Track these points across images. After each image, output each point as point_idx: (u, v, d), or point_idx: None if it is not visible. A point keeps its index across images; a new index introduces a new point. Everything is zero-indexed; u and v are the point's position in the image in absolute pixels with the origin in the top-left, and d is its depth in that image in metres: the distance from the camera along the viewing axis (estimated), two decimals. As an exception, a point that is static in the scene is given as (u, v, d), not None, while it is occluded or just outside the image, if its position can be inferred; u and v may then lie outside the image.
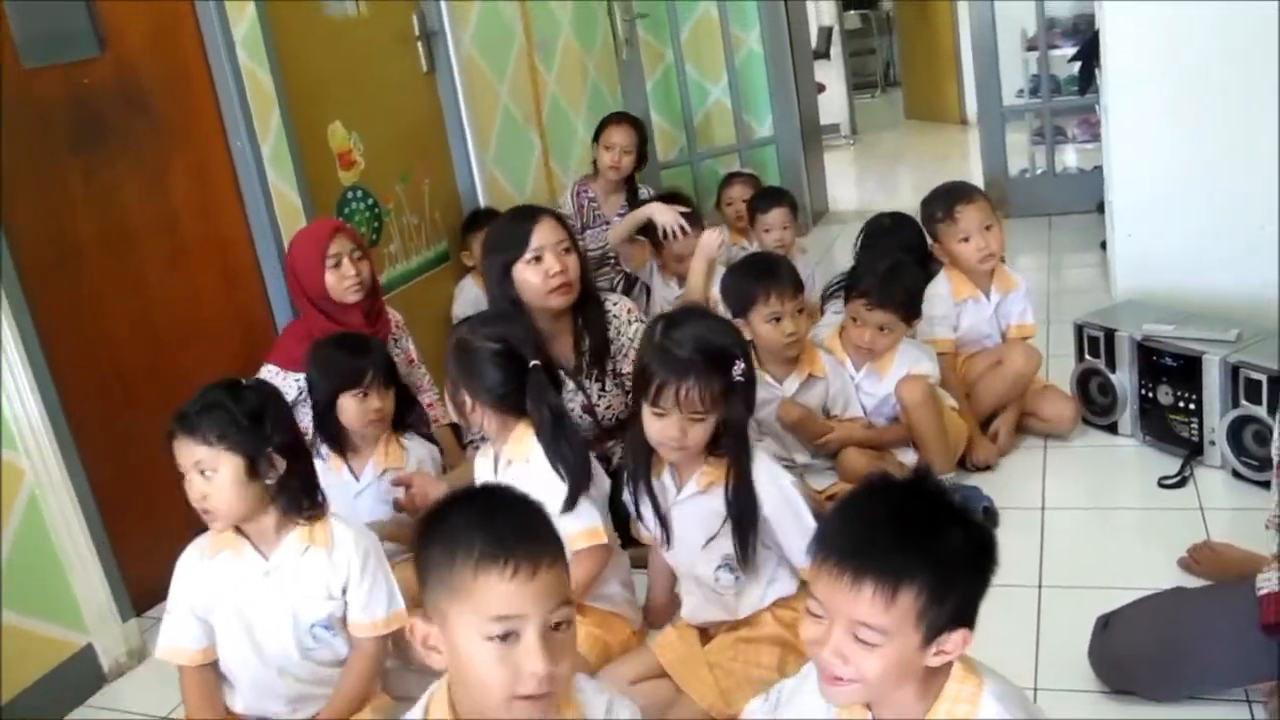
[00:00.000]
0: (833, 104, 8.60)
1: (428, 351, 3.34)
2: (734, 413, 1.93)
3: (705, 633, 2.14)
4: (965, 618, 1.34)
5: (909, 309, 2.84)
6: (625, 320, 2.78)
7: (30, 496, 2.50)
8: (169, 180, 3.03)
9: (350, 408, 2.57)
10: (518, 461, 2.19)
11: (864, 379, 2.87)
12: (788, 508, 1.99)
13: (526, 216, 2.68)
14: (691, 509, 2.03)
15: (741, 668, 2.00)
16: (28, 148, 2.66)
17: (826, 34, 9.05)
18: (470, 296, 3.98)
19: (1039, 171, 5.67)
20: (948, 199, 3.10)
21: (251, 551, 2.01)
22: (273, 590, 2.00)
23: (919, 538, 1.32)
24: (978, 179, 5.30)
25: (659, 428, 1.95)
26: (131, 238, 2.93)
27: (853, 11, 10.51)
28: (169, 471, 2.02)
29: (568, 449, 2.15)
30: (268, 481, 1.95)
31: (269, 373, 2.84)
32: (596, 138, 4.35)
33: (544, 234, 2.60)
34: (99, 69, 2.85)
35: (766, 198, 4.03)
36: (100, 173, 2.85)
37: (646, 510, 2.09)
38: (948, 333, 3.09)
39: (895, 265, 2.87)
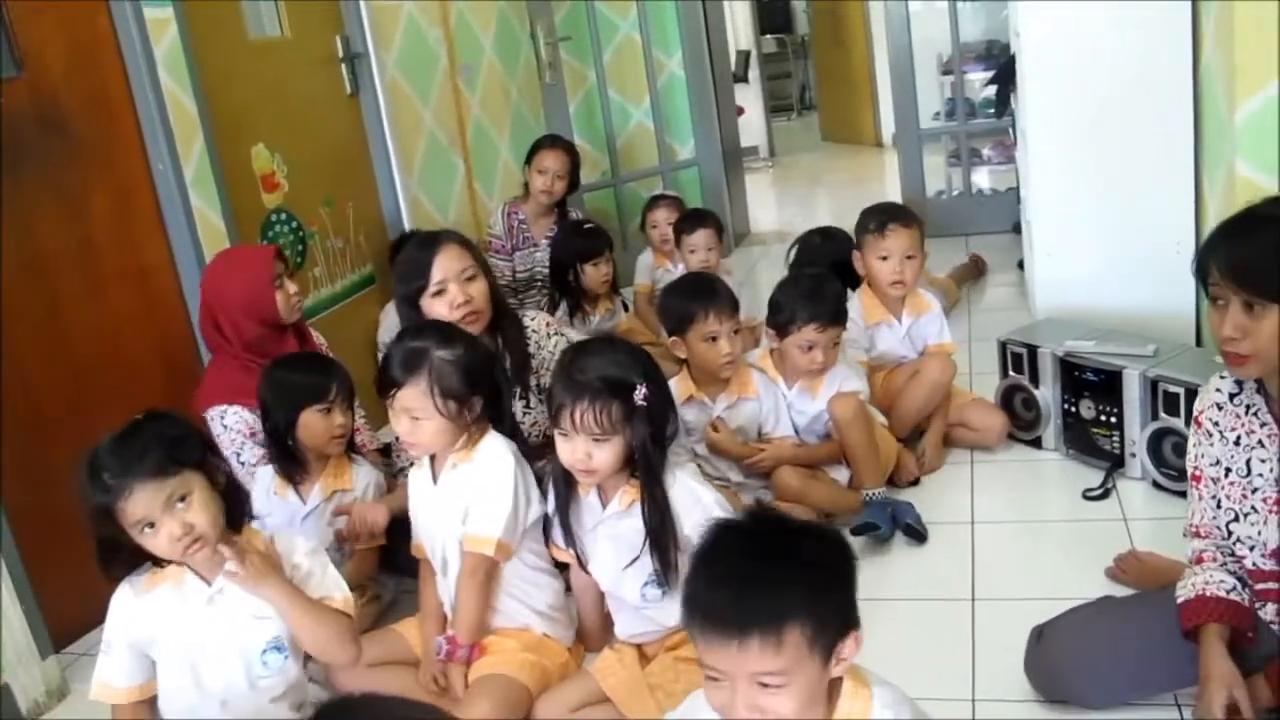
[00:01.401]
0: (751, 127, 8.72)
1: (356, 375, 3.29)
2: (638, 436, 1.97)
3: (643, 652, 2.15)
4: (849, 623, 1.36)
5: (844, 317, 2.89)
6: (545, 334, 2.77)
7: (-53, 531, 2.43)
8: (88, 205, 2.96)
9: (314, 424, 2.56)
10: (461, 464, 2.21)
11: (796, 397, 2.89)
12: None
13: (427, 246, 2.63)
14: (615, 528, 2.06)
15: (683, 689, 1.98)
16: (-60, 171, 2.59)
17: (744, 58, 9.16)
18: (395, 322, 3.94)
19: (956, 193, 5.79)
20: (885, 215, 3.17)
21: (193, 579, 1.95)
22: (217, 618, 1.94)
23: (780, 571, 1.32)
24: (895, 200, 5.39)
25: (565, 449, 2.01)
26: (48, 265, 2.85)
27: (769, 36, 10.66)
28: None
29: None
30: None
31: (216, 416, 2.73)
32: (528, 160, 4.35)
33: (445, 264, 2.56)
34: (15, 91, 2.77)
35: (691, 219, 4.06)
36: (17, 198, 2.77)
37: (563, 531, 2.14)
38: (859, 354, 3.14)
39: (816, 281, 2.91)
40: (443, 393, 2.12)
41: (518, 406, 2.72)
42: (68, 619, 2.71)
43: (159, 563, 1.93)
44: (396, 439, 2.72)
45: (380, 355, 3.85)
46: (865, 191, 7.47)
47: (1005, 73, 4.41)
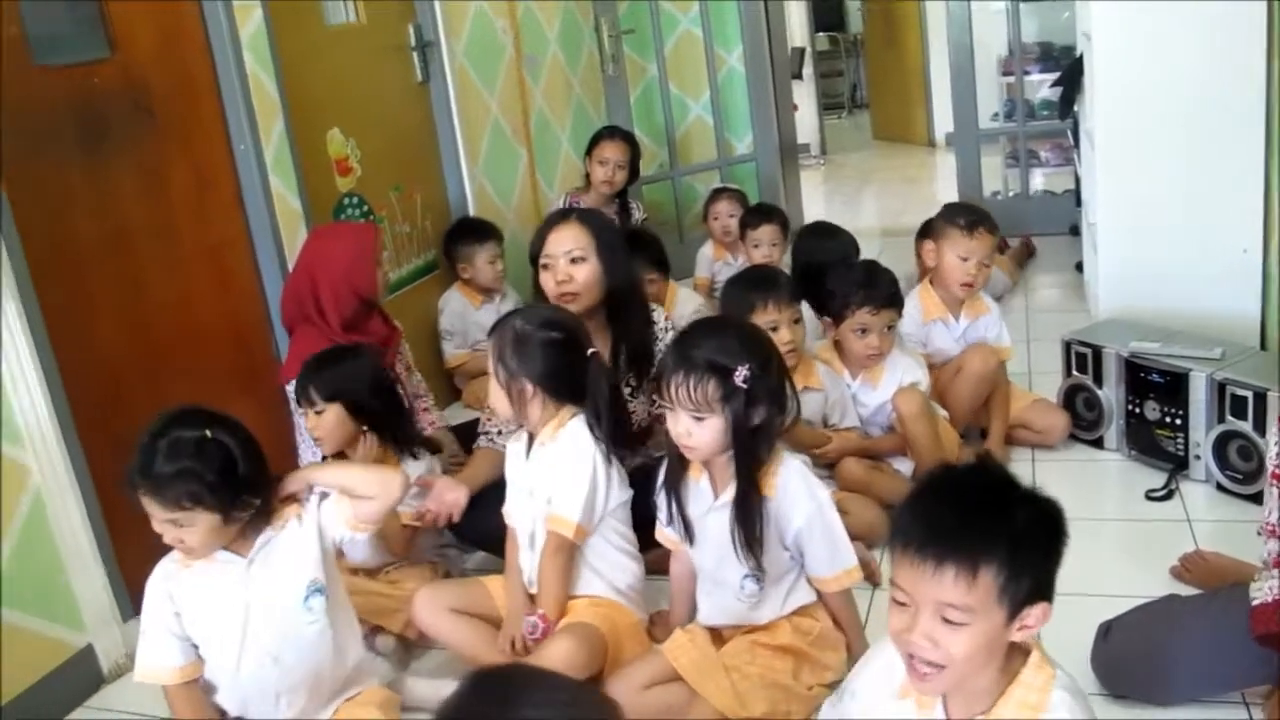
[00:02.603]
0: (804, 124, 8.70)
1: (418, 359, 3.39)
2: (735, 417, 1.97)
3: (717, 634, 2.18)
4: (1043, 591, 1.41)
5: (900, 303, 2.93)
6: (662, 327, 2.82)
7: (35, 496, 2.50)
8: (170, 184, 3.03)
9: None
10: (548, 443, 2.26)
11: (859, 389, 2.93)
12: (820, 521, 2.04)
13: (549, 222, 2.74)
14: (723, 517, 2.05)
15: (757, 672, 2.03)
16: (36, 146, 2.66)
17: (799, 55, 9.15)
18: (456, 308, 4.01)
19: (1012, 194, 5.78)
20: (977, 217, 3.19)
21: (225, 554, 2.02)
22: (258, 577, 2.01)
23: (991, 517, 1.38)
24: (948, 200, 5.39)
25: (670, 423, 2.03)
26: (132, 240, 2.92)
27: (821, 33, 10.64)
28: None
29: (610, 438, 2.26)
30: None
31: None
32: (589, 151, 4.42)
33: (556, 241, 2.65)
34: (107, 70, 2.85)
35: (757, 214, 4.10)
36: (104, 174, 2.85)
37: (674, 512, 2.14)
38: (918, 345, 3.18)
39: (870, 268, 2.96)
40: (498, 356, 2.21)
41: (625, 393, 2.76)
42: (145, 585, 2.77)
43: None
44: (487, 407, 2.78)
45: (442, 340, 3.93)
46: (916, 191, 7.49)
47: (1071, 75, 4.41)
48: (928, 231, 3.45)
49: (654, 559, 2.46)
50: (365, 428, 2.60)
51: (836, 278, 2.95)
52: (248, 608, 2.00)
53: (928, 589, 1.37)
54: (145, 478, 1.87)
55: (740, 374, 1.94)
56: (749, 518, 2.01)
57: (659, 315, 2.86)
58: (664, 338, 2.80)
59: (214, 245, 3.16)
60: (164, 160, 3.01)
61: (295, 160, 3.32)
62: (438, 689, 2.33)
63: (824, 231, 3.79)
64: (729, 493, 2.05)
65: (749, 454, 2.01)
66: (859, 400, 2.92)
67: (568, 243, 2.65)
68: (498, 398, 2.26)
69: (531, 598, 2.32)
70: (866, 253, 3.65)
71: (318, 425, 2.58)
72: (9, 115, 2.54)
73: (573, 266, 2.64)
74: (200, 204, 3.11)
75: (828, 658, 2.09)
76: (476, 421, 2.89)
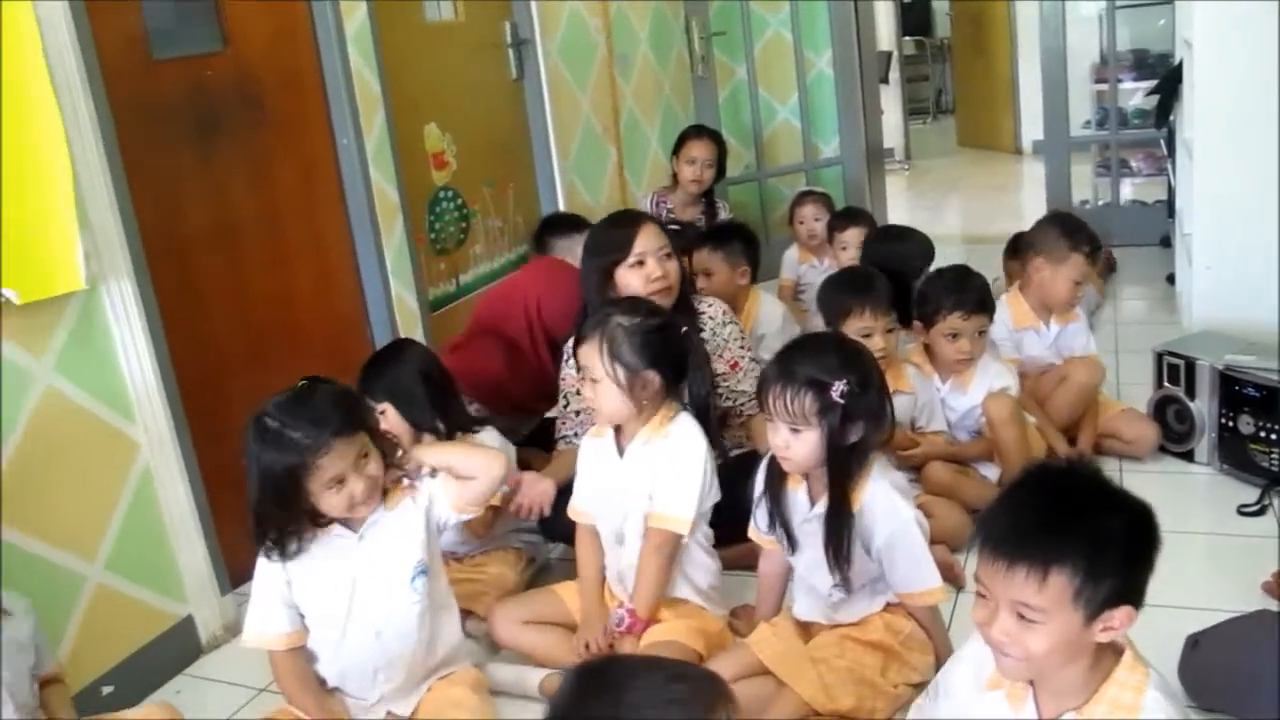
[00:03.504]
0: (889, 129, 8.65)
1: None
2: (830, 432, 1.98)
3: (804, 628, 2.20)
4: (1129, 596, 1.41)
5: (991, 309, 2.93)
6: (720, 321, 2.84)
7: (144, 469, 2.60)
8: (276, 175, 3.13)
9: None
10: (653, 439, 2.28)
11: (948, 394, 2.93)
12: (904, 541, 2.04)
13: (629, 222, 2.75)
14: (819, 527, 2.07)
15: (846, 665, 2.05)
16: (153, 136, 2.77)
17: (886, 59, 9.11)
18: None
19: (1101, 203, 5.71)
20: (1096, 242, 3.20)
21: (339, 528, 2.09)
22: (368, 554, 2.09)
23: (1069, 520, 1.40)
24: (1034, 209, 5.35)
25: (770, 434, 2.05)
26: (238, 229, 3.03)
27: (907, 38, 10.57)
28: None
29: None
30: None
31: None
32: (676, 151, 4.45)
33: (646, 240, 2.67)
34: (220, 63, 2.96)
35: (845, 217, 4.10)
36: (214, 164, 2.96)
37: (768, 517, 2.16)
38: (1010, 352, 3.17)
39: (962, 273, 2.96)
40: (611, 355, 2.21)
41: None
42: (242, 561, 2.85)
43: (315, 523, 2.07)
44: (564, 406, 2.84)
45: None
46: (1001, 199, 7.42)
47: (1169, 82, 4.35)
48: (1022, 241, 3.42)
49: (735, 555, 2.49)
50: (415, 424, 2.62)
51: (929, 282, 2.97)
52: (355, 583, 2.07)
53: (1002, 587, 1.41)
54: (324, 429, 1.96)
55: (837, 389, 1.95)
56: (838, 533, 2.02)
57: (715, 307, 2.88)
58: (721, 332, 2.83)
59: (315, 236, 3.25)
60: (270, 152, 3.11)
61: (394, 154, 3.40)
62: (521, 675, 2.39)
63: (895, 235, 3.77)
64: (824, 503, 2.06)
65: (842, 469, 2.02)
66: (948, 404, 2.93)
67: (657, 240, 2.69)
68: (610, 398, 2.24)
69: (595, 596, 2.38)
70: (949, 260, 3.63)
71: (387, 425, 2.65)
72: (130, 107, 2.65)
73: (666, 262, 2.68)
74: (303, 195, 3.21)
75: (915, 659, 2.09)
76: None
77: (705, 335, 2.80)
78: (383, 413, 2.58)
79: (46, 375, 2.38)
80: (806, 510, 2.10)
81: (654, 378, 2.25)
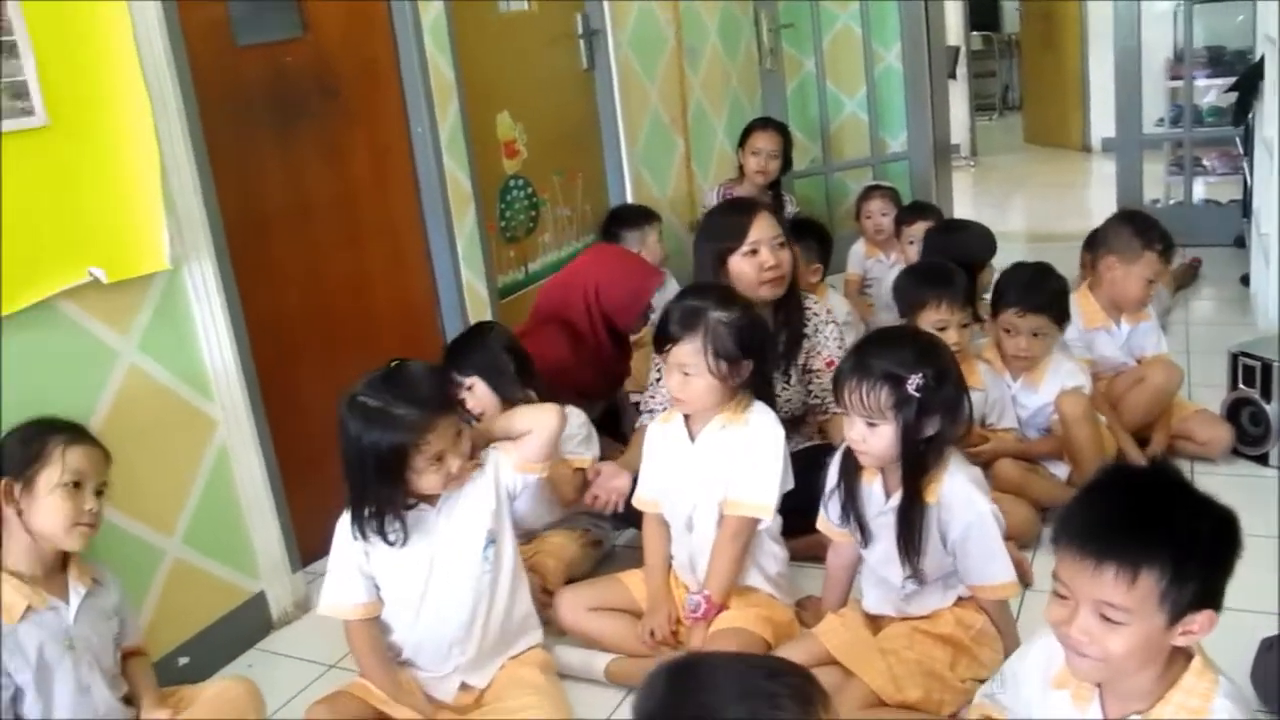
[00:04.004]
0: (955, 125, 8.56)
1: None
2: (906, 426, 1.97)
3: (873, 620, 2.21)
4: (1210, 599, 1.40)
5: (1057, 312, 2.89)
6: (823, 319, 2.84)
7: (221, 447, 2.65)
8: (351, 161, 3.18)
9: None
10: (730, 426, 2.29)
11: (1019, 391, 2.91)
12: (979, 534, 2.03)
13: (745, 209, 2.76)
14: (894, 520, 2.07)
15: (915, 658, 2.05)
16: (234, 121, 2.82)
17: (953, 54, 9.02)
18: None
19: (1173, 202, 5.63)
20: (1169, 242, 3.18)
21: (421, 504, 2.14)
22: (445, 525, 2.14)
23: (1158, 521, 1.39)
24: (1102, 208, 5.27)
25: (846, 427, 2.05)
26: (314, 213, 3.08)
27: (975, 32, 10.46)
28: (336, 439, 2.14)
29: None
30: None
31: None
32: (742, 143, 4.46)
33: (761, 228, 2.68)
34: (299, 50, 3.01)
35: (913, 211, 4.09)
36: (292, 149, 3.01)
37: (842, 509, 2.16)
38: (1082, 353, 3.14)
39: (1038, 271, 2.93)
40: (715, 352, 2.22)
41: (778, 381, 2.79)
42: (312, 539, 2.91)
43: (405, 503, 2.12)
44: (655, 382, 2.85)
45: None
46: (1068, 197, 7.33)
47: (1249, 80, 4.27)
48: (1096, 240, 3.38)
49: (801, 547, 2.50)
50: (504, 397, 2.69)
51: (1003, 273, 2.94)
52: (432, 558, 2.11)
53: (1087, 586, 1.38)
54: (429, 408, 2.04)
55: (913, 383, 1.95)
56: (911, 526, 2.02)
57: (818, 304, 2.88)
58: (823, 330, 2.83)
59: (389, 221, 3.29)
60: (346, 138, 3.16)
61: (468, 142, 3.44)
62: (587, 659, 2.42)
63: (955, 227, 3.74)
64: (899, 497, 2.06)
65: (917, 463, 2.02)
66: (1019, 402, 2.91)
67: (772, 229, 2.70)
68: (705, 391, 2.26)
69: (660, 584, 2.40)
70: (1013, 258, 3.59)
71: (474, 401, 2.69)
72: (213, 92, 2.70)
73: (780, 250, 2.69)
74: (378, 181, 3.25)
75: (985, 654, 2.08)
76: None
77: (808, 331, 2.80)
78: (470, 388, 2.63)
79: (131, 353, 2.44)
80: (882, 503, 2.10)
81: (748, 367, 2.27)
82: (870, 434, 2.00)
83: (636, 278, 3.13)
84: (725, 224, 2.76)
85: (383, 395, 2.03)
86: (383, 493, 2.08)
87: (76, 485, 1.97)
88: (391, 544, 2.10)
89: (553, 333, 3.11)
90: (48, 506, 1.95)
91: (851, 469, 2.14)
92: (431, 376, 2.11)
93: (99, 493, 2.03)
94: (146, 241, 2.43)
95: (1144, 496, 1.43)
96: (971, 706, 1.81)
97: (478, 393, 2.66)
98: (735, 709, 1.17)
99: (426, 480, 2.07)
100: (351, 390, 2.08)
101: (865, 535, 2.14)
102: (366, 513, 2.10)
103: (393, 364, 2.12)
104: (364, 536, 2.12)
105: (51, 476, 1.95)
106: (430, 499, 2.14)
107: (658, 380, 2.84)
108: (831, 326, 2.84)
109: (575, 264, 3.25)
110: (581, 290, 3.06)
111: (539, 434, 2.21)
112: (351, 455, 2.06)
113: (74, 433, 2.03)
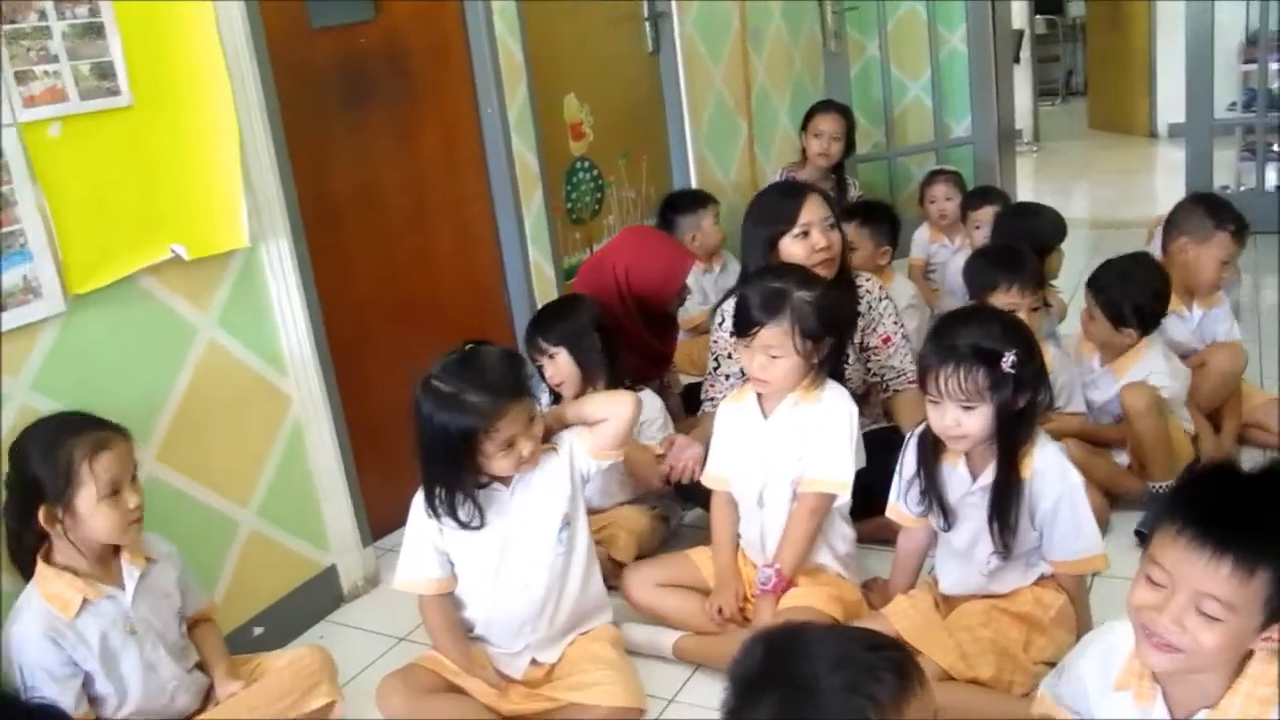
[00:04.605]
0: (1019, 110, 8.47)
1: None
2: (1003, 404, 1.97)
3: (944, 603, 2.20)
4: None
5: (1126, 319, 2.83)
6: (876, 296, 2.83)
7: (295, 423, 2.70)
8: (422, 141, 3.21)
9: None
10: (802, 403, 2.30)
11: (1101, 376, 2.90)
12: (1069, 506, 2.02)
13: (795, 192, 2.75)
14: (984, 499, 2.06)
15: (989, 635, 2.04)
16: (310, 101, 2.86)
17: (1017, 38, 8.91)
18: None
19: (1244, 188, 5.53)
20: (1226, 214, 3.11)
21: (494, 483, 2.17)
22: (519, 504, 2.16)
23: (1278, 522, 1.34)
24: (1169, 194, 5.19)
25: (936, 416, 2.03)
26: (385, 193, 3.11)
27: (1039, 16, 10.31)
28: (406, 416, 2.16)
29: None
30: None
31: None
32: (804, 126, 4.44)
33: (812, 210, 2.68)
34: (371, 31, 3.04)
35: (979, 196, 4.05)
36: (365, 129, 3.05)
37: (921, 495, 2.15)
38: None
39: (1126, 275, 2.89)
40: (802, 332, 2.22)
41: None
42: (382, 515, 2.97)
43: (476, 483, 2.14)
44: (714, 369, 2.87)
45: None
46: (1133, 183, 7.21)
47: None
48: (1169, 223, 3.34)
49: (867, 529, 2.50)
50: (586, 370, 2.74)
51: (1103, 266, 2.94)
52: (506, 536, 2.14)
53: (1195, 576, 1.34)
54: (502, 394, 2.07)
55: (1008, 360, 1.94)
56: (1007, 502, 2.02)
57: (870, 282, 2.87)
58: (877, 306, 2.82)
59: (457, 202, 3.33)
60: (417, 119, 3.19)
61: (535, 123, 3.46)
62: (655, 636, 2.44)
63: (1025, 212, 3.68)
64: (986, 475, 2.05)
65: (1012, 439, 2.01)
66: (1099, 385, 2.89)
67: (822, 210, 2.69)
68: (791, 371, 2.26)
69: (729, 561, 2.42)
70: (1075, 243, 3.54)
71: (555, 371, 2.72)
72: (290, 73, 2.74)
73: (830, 232, 2.69)
74: (447, 162, 3.29)
75: (1061, 635, 2.07)
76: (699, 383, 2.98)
77: (861, 309, 2.80)
78: (552, 357, 2.67)
79: (210, 329, 2.49)
80: (968, 484, 2.09)
81: (828, 345, 2.28)
82: (966, 417, 1.99)
83: (664, 258, 3.12)
84: (775, 207, 2.75)
85: (456, 380, 2.05)
86: (454, 475, 2.11)
87: (115, 492, 1.95)
88: (464, 524, 2.13)
89: None
90: (95, 521, 1.94)
91: (929, 454, 2.13)
92: (505, 361, 2.13)
93: (134, 477, 2.01)
94: (226, 219, 2.47)
95: (1270, 492, 1.38)
96: (1035, 701, 1.79)
97: (559, 362, 2.71)
98: (832, 678, 1.16)
99: (497, 464, 2.10)
100: (426, 373, 2.10)
101: (948, 518, 2.13)
102: (438, 493, 2.13)
103: (466, 347, 2.14)
104: (436, 516, 2.15)
105: (89, 495, 1.92)
106: (504, 478, 2.17)
107: (715, 369, 2.85)
108: (886, 303, 2.83)
109: (606, 248, 3.25)
110: (611, 273, 3.06)
111: (614, 422, 2.22)
112: (424, 437, 2.09)
113: (93, 432, 1.97)
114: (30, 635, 1.93)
